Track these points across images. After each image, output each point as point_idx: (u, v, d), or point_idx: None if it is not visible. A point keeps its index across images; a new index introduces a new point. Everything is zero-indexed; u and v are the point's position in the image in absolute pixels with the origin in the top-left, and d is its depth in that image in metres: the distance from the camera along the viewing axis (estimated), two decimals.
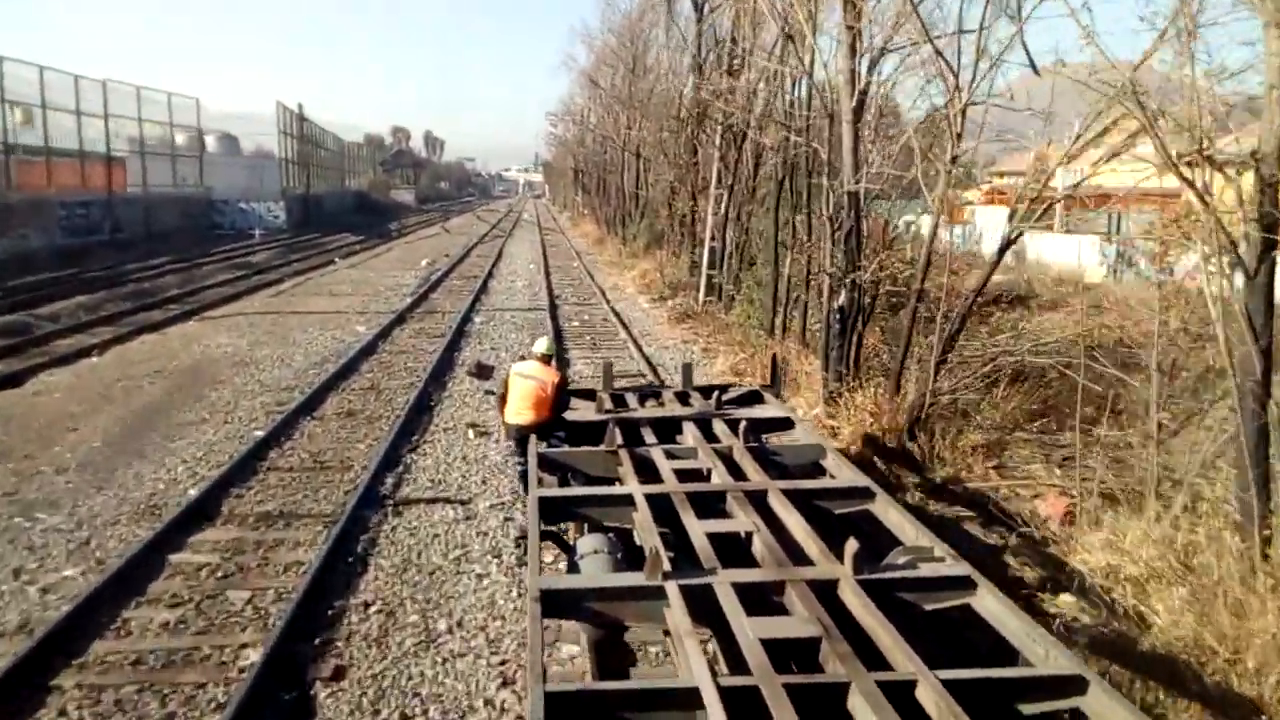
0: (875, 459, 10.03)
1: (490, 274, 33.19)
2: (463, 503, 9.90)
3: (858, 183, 11.15)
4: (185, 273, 31.78)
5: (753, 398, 8.70)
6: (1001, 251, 9.87)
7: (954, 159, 9.99)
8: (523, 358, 10.40)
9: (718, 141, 21.20)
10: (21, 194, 37.10)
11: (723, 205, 20.46)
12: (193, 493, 10.02)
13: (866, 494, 5.99)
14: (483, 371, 14.91)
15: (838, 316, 11.50)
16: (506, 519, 9.38)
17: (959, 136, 9.99)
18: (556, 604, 4.54)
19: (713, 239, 21.38)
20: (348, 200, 76.18)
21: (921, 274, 10.28)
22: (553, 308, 24.55)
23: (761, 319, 17.17)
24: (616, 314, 23.23)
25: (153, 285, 27.86)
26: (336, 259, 38.68)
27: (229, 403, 14.11)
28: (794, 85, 14.87)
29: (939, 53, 9.66)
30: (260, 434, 12.27)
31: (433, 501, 9.91)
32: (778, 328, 15.64)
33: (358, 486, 10.18)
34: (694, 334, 19.60)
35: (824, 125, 13.40)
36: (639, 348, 18.35)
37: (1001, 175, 40.27)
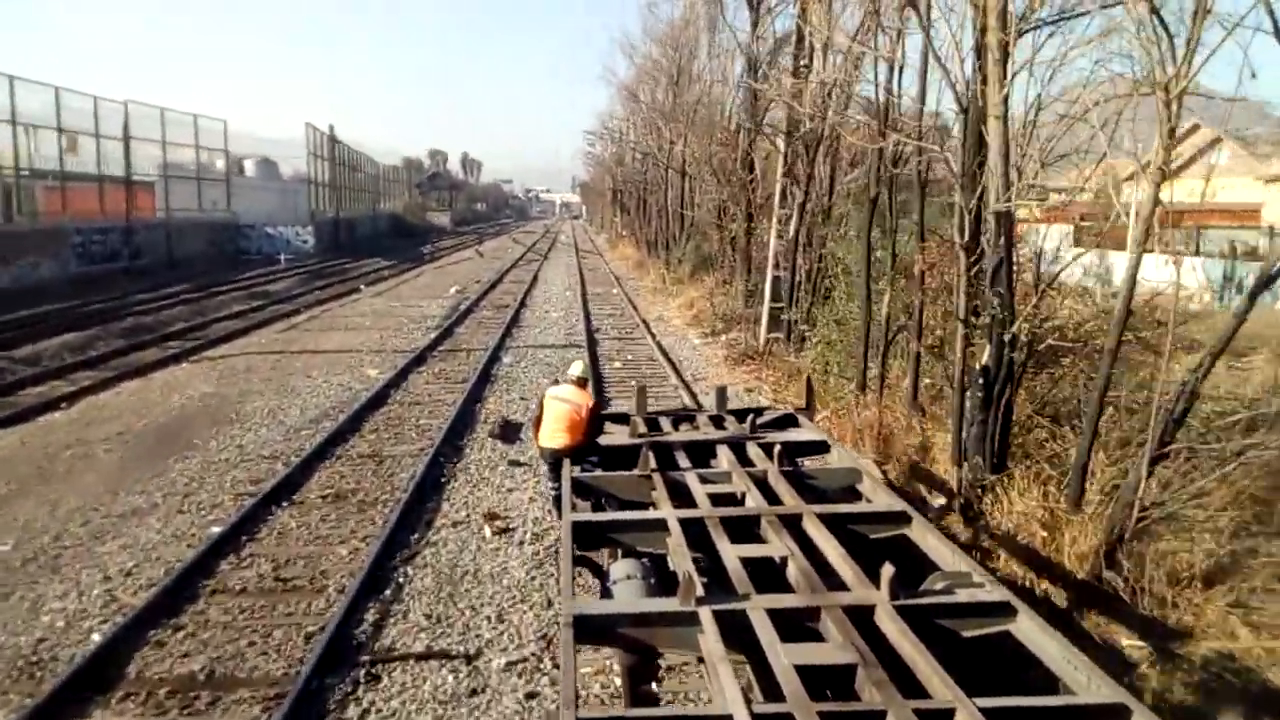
0: (1058, 595, 6.94)
1: (523, 302, 30.39)
2: (468, 658, 6.92)
3: (1008, 200, 8.10)
4: (197, 303, 29.33)
5: (787, 421, 8.45)
6: (1260, 290, 6.74)
7: (1166, 167, 6.88)
8: (556, 381, 9.68)
9: (783, 152, 18.19)
10: (32, 221, 35.08)
11: (790, 227, 17.43)
12: (96, 637, 7.16)
13: (903, 518, 5.80)
14: (508, 433, 11.95)
15: (980, 380, 8.41)
16: (530, 695, 6.37)
17: (1172, 133, 6.89)
18: (589, 629, 4.39)
19: (777, 266, 18.33)
20: (381, 223, 74.12)
21: (1119, 327, 7.15)
22: (591, 343, 21.64)
23: (843, 366, 14.09)
24: (664, 352, 20.29)
25: (155, 319, 25.35)
26: (362, 286, 36.13)
27: (193, 480, 11.28)
28: (893, 74, 11.80)
29: (1155, 10, 6.57)
30: (217, 531, 9.42)
31: (425, 658, 6.94)
32: (870, 381, 12.52)
33: (325, 627, 7.27)
34: (757, 378, 16.54)
35: (929, 125, 10.41)
36: (693, 396, 15.35)
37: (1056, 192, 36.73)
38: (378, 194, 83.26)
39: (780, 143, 18.37)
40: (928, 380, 11.71)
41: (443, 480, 11.36)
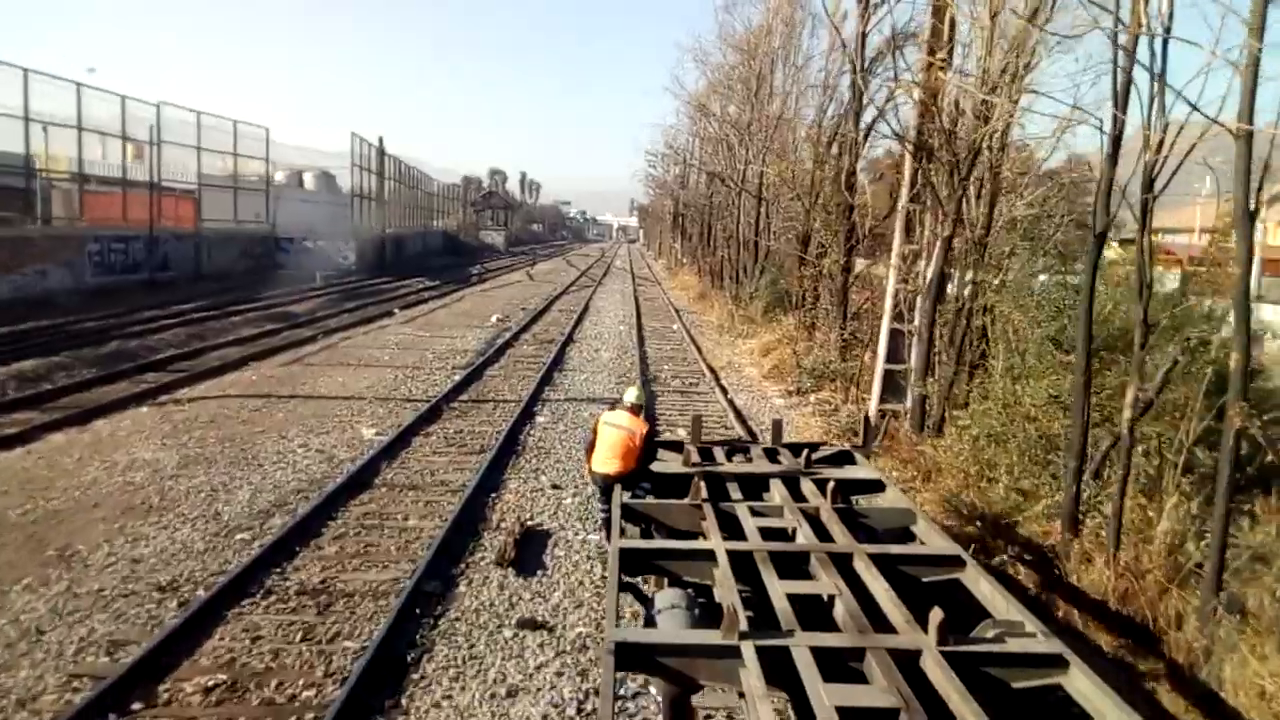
0: None
1: (570, 337, 26.18)
2: None
3: None
4: (205, 324, 25.63)
5: (843, 458, 8.02)
6: None
7: None
8: (612, 406, 9.07)
9: (907, 175, 13.74)
10: (44, 226, 31.87)
11: (925, 268, 12.94)
12: None
13: (957, 562, 5.50)
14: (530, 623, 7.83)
15: None
16: None
17: None
18: (631, 657, 4.29)
19: (898, 318, 13.82)
20: (432, 241, 70.81)
21: None
22: (647, 397, 17.30)
23: (1018, 474, 9.55)
24: (739, 415, 15.89)
25: (146, 343, 21.59)
26: (396, 309, 32.26)
27: (25, 634, 7.13)
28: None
29: None
30: None
31: None
32: (1084, 504, 7.98)
33: None
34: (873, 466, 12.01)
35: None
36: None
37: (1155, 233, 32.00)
38: (431, 211, 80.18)
39: (906, 159, 13.89)
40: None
41: (410, 660, 7.05)
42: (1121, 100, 7.85)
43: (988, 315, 11.58)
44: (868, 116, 18.53)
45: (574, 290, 44.29)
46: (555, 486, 11.66)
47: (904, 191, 13.87)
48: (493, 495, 11.18)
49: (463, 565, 8.92)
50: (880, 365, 14.06)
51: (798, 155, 24.07)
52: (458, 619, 7.70)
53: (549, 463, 12.79)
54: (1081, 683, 4.10)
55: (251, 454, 12.53)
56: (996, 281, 11.73)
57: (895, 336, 13.98)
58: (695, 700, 4.95)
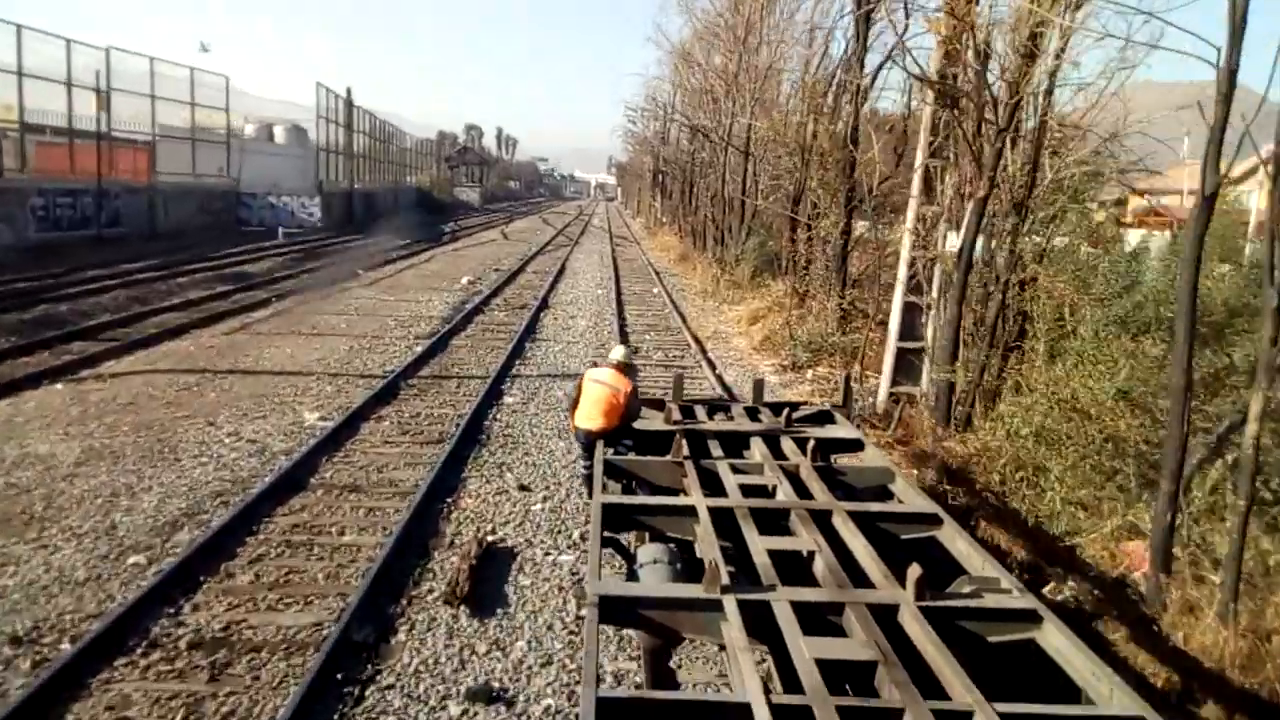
0: None
1: (544, 302, 24.30)
2: None
3: None
4: (150, 285, 23.53)
5: (823, 417, 8.07)
6: None
7: None
8: (595, 364, 9.56)
9: (926, 125, 11.93)
10: None
11: (944, 233, 11.19)
12: None
13: (934, 520, 5.55)
14: None
15: None
16: None
17: None
18: (614, 610, 4.32)
19: (915, 289, 12.10)
20: (404, 198, 68.14)
21: None
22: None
23: (1070, 482, 7.90)
24: (731, 396, 14.18)
25: (79, 307, 19.53)
26: (360, 270, 30.18)
27: None
28: None
29: None
30: None
31: None
32: (1179, 538, 6.35)
33: None
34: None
35: None
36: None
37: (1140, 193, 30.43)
38: (404, 166, 77.34)
39: (926, 108, 12.07)
40: None
41: None
42: (1239, 18, 6.09)
43: (1027, 289, 9.86)
44: (872, 63, 16.69)
45: (550, 250, 42.23)
46: (523, 487, 9.91)
47: (922, 144, 12.07)
48: (448, 500, 9.42)
49: (404, 601, 7.17)
50: (892, 343, 12.35)
51: (789, 108, 22.16)
52: (390, 687, 5.96)
53: (516, 455, 11.03)
54: (1055, 637, 4.12)
55: (170, 445, 10.67)
56: (1035, 249, 9.98)
57: (910, 310, 12.28)
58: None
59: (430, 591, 7.34)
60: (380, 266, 32.01)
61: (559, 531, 8.75)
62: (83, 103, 33.96)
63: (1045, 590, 6.88)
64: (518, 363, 16.43)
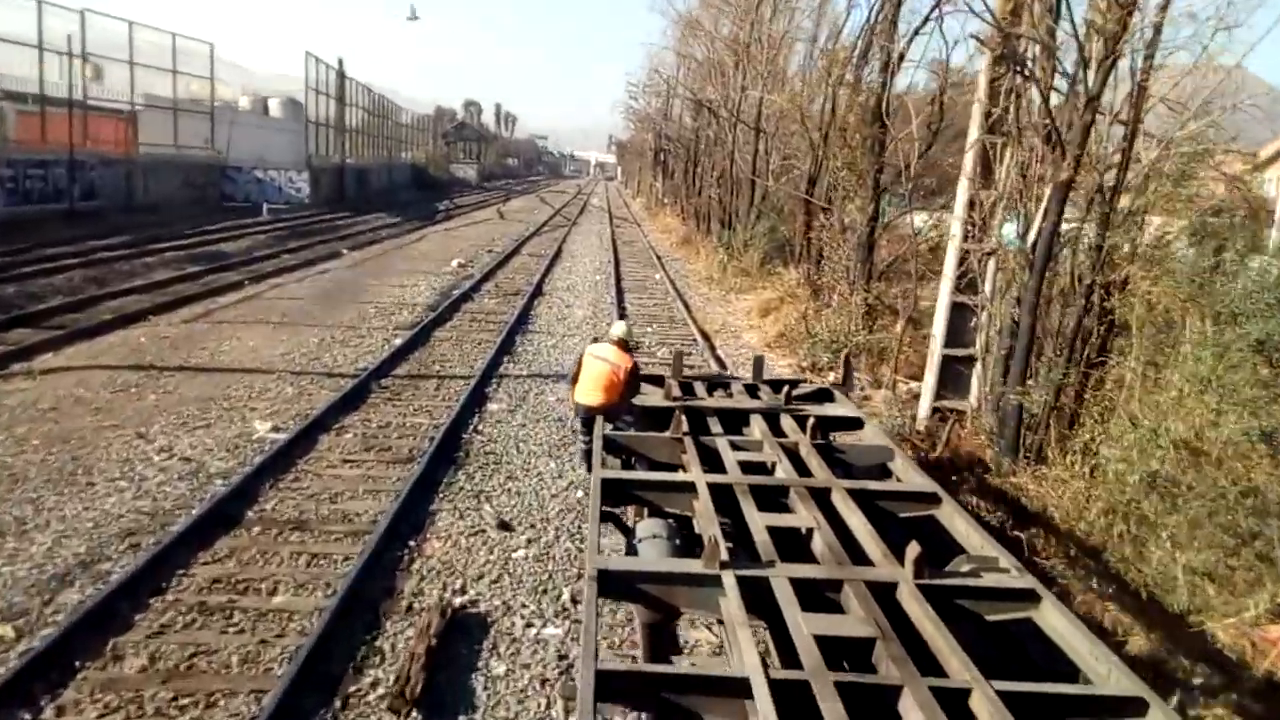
0: None
1: (538, 289, 22.50)
2: None
3: None
4: (113, 265, 21.71)
5: (823, 395, 7.92)
6: None
7: None
8: (596, 339, 9.43)
9: (983, 92, 10.12)
10: None
11: (1000, 223, 9.41)
12: None
13: (933, 499, 5.43)
14: None
15: None
16: None
17: None
18: (613, 584, 4.27)
19: (967, 287, 10.33)
20: (399, 174, 66.12)
21: None
22: None
23: (1196, 541, 6.17)
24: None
25: (24, 290, 17.70)
26: (344, 250, 28.39)
27: None
28: None
29: None
30: None
31: None
32: None
33: None
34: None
35: None
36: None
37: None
38: (400, 142, 75.15)
39: (982, 73, 10.25)
40: None
41: None
42: None
43: (1115, 294, 8.09)
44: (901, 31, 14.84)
45: (547, 230, 40.35)
46: (504, 525, 8.18)
47: (976, 117, 10.27)
48: (412, 542, 7.69)
49: (338, 702, 5.45)
50: (937, 349, 10.60)
51: (807, 80, 20.32)
52: None
53: (498, 480, 9.30)
54: (1053, 617, 4.06)
55: (85, 465, 8.92)
56: (1128, 247, 8.20)
57: (959, 312, 10.51)
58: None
59: (374, 686, 5.62)
60: (367, 246, 30.19)
61: (546, 589, 7.03)
62: (56, 69, 32.05)
63: (1199, 710, 5.18)
64: (506, 360, 14.67)
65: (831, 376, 14.04)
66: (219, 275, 21.81)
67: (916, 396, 12.34)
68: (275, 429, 10.37)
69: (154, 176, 36.86)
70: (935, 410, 10.51)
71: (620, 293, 22.46)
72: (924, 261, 15.08)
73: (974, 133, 10.29)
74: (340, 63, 48.80)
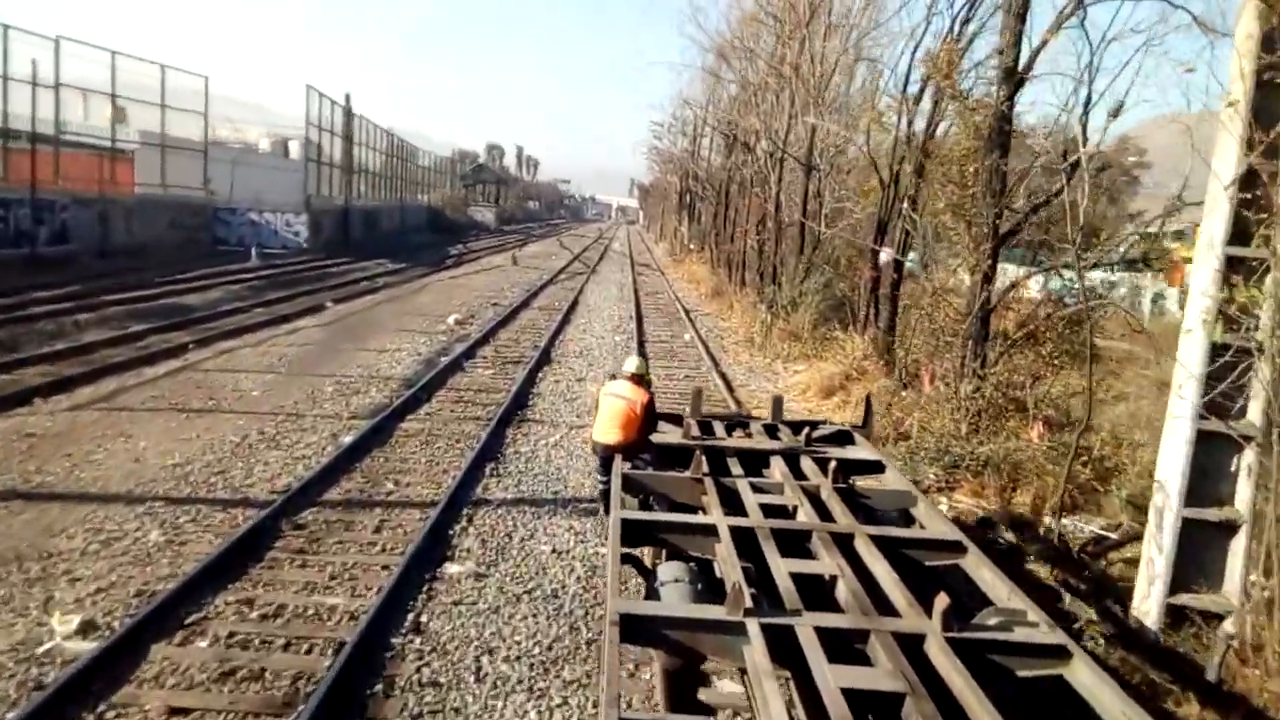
0: None
1: (546, 354, 18.47)
2: None
3: None
4: (37, 322, 17.89)
5: (843, 438, 7.76)
6: None
7: None
8: (613, 376, 8.74)
9: (1244, 101, 6.01)
10: None
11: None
12: None
13: (958, 548, 5.28)
14: None
15: None
16: None
17: None
18: (636, 629, 4.14)
19: (1217, 408, 6.11)
20: (413, 217, 62.71)
21: None
22: None
23: None
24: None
25: None
26: (330, 302, 24.50)
27: None
28: None
29: None
30: None
31: None
32: None
33: None
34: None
35: None
36: None
37: None
38: (417, 184, 71.99)
39: (1241, 73, 6.14)
40: None
41: None
42: None
43: None
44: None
45: (563, 279, 36.43)
46: None
47: (1238, 140, 6.17)
48: None
49: None
50: (1175, 507, 6.36)
51: (871, 105, 16.36)
52: None
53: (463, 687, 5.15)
54: (1084, 674, 3.94)
55: None
56: None
57: (1207, 444, 6.29)
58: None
59: None
60: (356, 298, 26.30)
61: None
62: (22, 101, 28.67)
63: None
64: (489, 471, 10.55)
65: (944, 504, 9.89)
66: (163, 337, 17.88)
67: (1096, 545, 8.14)
68: (84, 628, 6.27)
69: (139, 218, 33.38)
70: (1175, 609, 6.25)
71: (644, 360, 18.31)
72: (1059, 337, 10.95)
73: (1234, 165, 6.16)
74: (347, 99, 45.46)
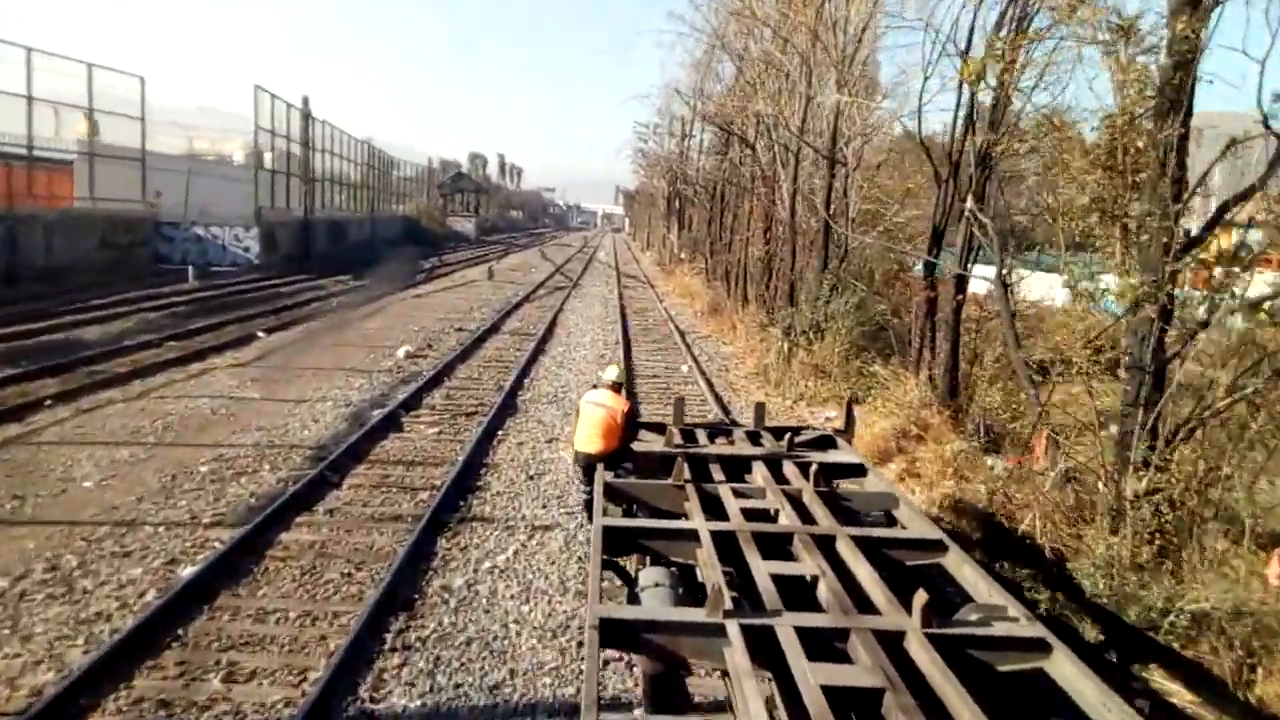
0: None
1: (510, 399, 14.51)
2: None
3: None
4: None
5: (825, 442, 7.72)
6: None
7: None
8: (594, 386, 8.71)
9: None
10: None
11: None
12: None
13: (939, 547, 5.32)
14: None
15: None
16: None
17: None
18: (615, 634, 4.17)
19: None
20: (386, 229, 58.46)
21: None
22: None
23: None
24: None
25: None
26: (260, 333, 20.39)
27: None
28: None
29: None
30: None
31: None
32: None
33: None
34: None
35: None
36: None
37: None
38: (395, 194, 67.82)
39: None
40: None
41: None
42: None
43: None
44: None
45: (541, 295, 32.41)
46: None
47: None
48: None
49: None
50: None
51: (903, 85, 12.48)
52: None
53: None
54: (1065, 667, 3.93)
55: None
56: None
57: None
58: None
59: None
60: (297, 324, 22.20)
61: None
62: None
63: None
64: (395, 633, 6.54)
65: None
66: (18, 389, 13.79)
67: None
68: None
69: (61, 236, 29.15)
70: None
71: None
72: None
73: None
74: (305, 101, 41.28)
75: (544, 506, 9.59)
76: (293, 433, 12.05)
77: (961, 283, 12.51)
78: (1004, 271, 11.64)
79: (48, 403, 13.02)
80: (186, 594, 6.92)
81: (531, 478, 10.58)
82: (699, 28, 24.95)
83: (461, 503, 9.51)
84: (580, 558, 8.14)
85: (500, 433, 12.58)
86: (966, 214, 12.14)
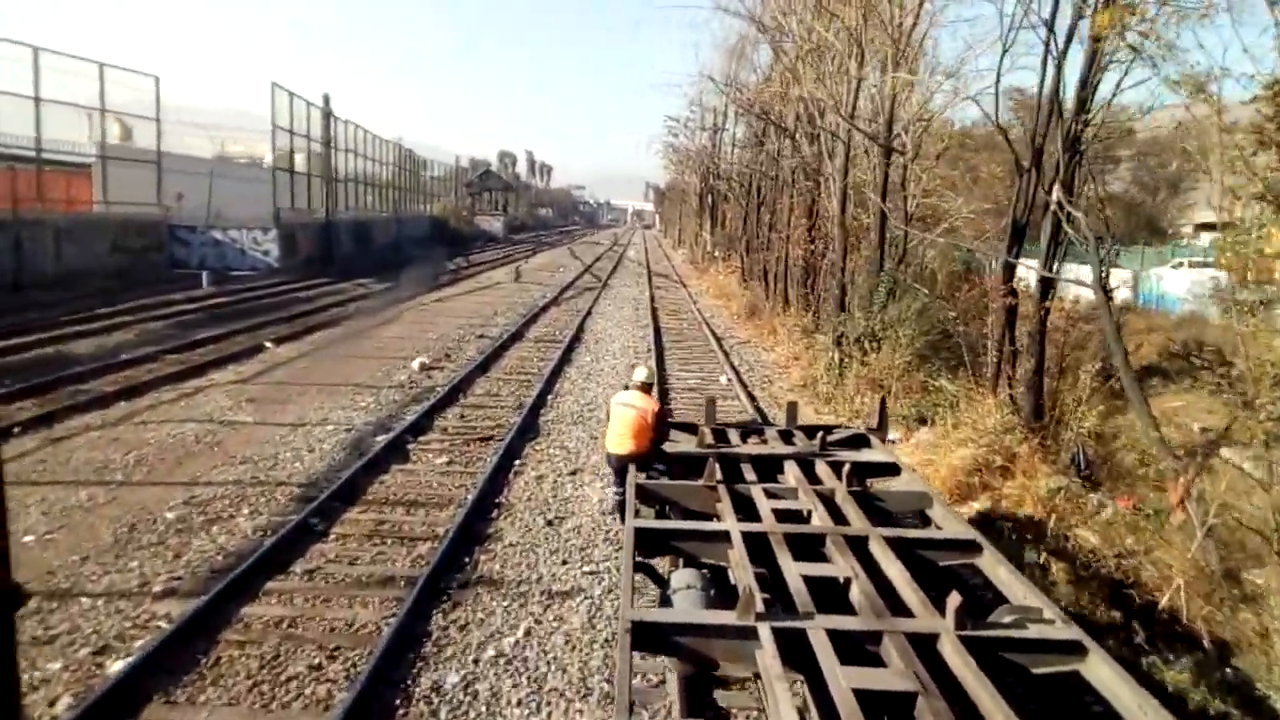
0: None
1: (532, 420, 12.98)
2: None
3: None
4: None
5: (858, 441, 7.56)
6: None
7: None
8: (626, 387, 8.39)
9: None
10: None
11: None
12: None
13: (974, 547, 5.18)
14: None
15: None
16: None
17: None
18: (647, 636, 4.10)
19: None
20: (414, 229, 57.24)
21: None
22: None
23: None
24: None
25: None
26: (269, 343, 19.03)
27: None
28: None
29: None
30: None
31: None
32: None
33: None
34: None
35: None
36: None
37: None
38: (423, 194, 66.69)
39: None
40: None
41: None
42: None
43: None
44: None
45: (569, 297, 30.90)
46: None
47: None
48: None
49: None
50: None
51: (1003, 44, 10.77)
52: None
53: None
54: (1101, 670, 3.82)
55: None
56: None
57: None
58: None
59: None
60: (309, 334, 20.82)
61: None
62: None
63: None
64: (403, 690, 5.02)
65: None
66: (11, 408, 12.50)
67: None
68: None
69: (71, 241, 28.12)
70: None
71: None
72: None
73: None
74: (326, 100, 40.07)
75: (563, 562, 8.02)
76: (282, 465, 10.59)
77: (1047, 286, 10.78)
78: (1103, 273, 9.90)
79: (16, 430, 11.68)
80: (106, 702, 5.44)
81: (550, 523, 9.01)
82: (732, 9, 23.10)
83: (466, 559, 7.98)
84: (608, 639, 6.55)
85: (518, 463, 11.04)
86: (1053, 207, 10.43)
